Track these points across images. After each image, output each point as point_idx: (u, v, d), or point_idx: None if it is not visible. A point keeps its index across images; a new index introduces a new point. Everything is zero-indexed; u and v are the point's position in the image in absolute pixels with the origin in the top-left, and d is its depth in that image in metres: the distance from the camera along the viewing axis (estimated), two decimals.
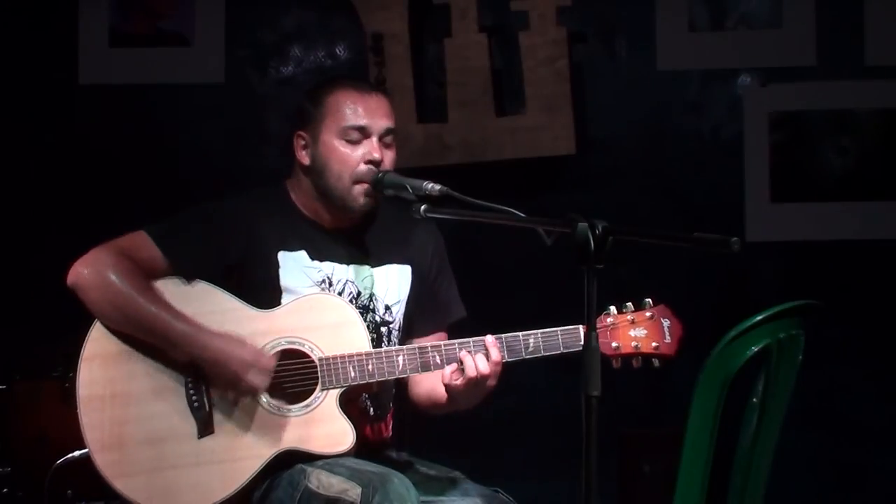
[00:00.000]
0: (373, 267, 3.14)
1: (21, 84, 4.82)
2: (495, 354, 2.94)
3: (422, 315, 3.19)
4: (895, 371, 4.61)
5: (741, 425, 3.06)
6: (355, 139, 3.07)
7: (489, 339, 2.96)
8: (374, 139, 3.07)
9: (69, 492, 3.88)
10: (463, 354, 2.94)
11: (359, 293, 3.11)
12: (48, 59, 4.83)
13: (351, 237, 3.14)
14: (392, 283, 3.16)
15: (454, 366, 2.95)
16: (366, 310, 3.11)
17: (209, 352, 2.93)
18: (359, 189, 3.05)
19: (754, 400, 3.03)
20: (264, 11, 4.87)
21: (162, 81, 4.84)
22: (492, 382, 2.96)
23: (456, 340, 3.00)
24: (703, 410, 2.98)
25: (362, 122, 3.06)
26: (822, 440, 4.60)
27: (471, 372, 2.92)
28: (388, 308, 3.14)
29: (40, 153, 4.79)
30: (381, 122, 3.08)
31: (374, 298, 3.13)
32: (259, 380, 2.93)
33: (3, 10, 4.79)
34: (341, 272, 3.10)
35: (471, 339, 2.98)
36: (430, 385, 3.10)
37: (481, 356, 2.93)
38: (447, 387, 2.98)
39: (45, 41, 4.83)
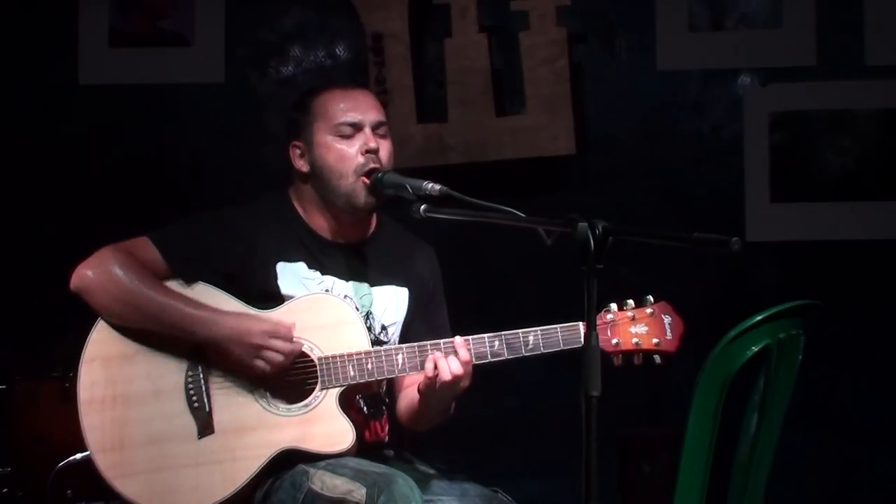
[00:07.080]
0: (372, 285, 3.14)
1: (21, 84, 4.82)
2: (464, 355, 2.94)
3: (415, 338, 3.13)
4: (895, 371, 4.61)
5: (741, 425, 3.06)
6: (349, 134, 3.07)
7: (458, 340, 2.97)
8: (368, 130, 3.08)
9: (69, 492, 3.88)
10: (436, 356, 2.94)
11: (356, 310, 3.09)
12: (48, 59, 4.83)
13: (351, 252, 3.14)
14: (390, 304, 3.15)
15: (430, 370, 2.94)
16: None
17: (226, 329, 2.94)
18: (362, 184, 3.05)
19: (754, 399, 3.04)
20: (264, 11, 4.87)
21: (162, 81, 4.84)
22: (465, 383, 2.97)
23: (455, 338, 2.99)
24: (703, 410, 2.98)
25: (353, 116, 3.08)
26: (822, 440, 4.59)
27: (444, 375, 2.92)
28: (384, 328, 3.15)
29: (40, 153, 4.79)
30: (371, 115, 3.09)
31: (371, 317, 3.13)
32: (281, 346, 2.94)
33: (3, 10, 4.79)
34: (340, 287, 3.10)
35: (441, 341, 2.99)
36: (411, 397, 3.10)
37: (453, 358, 2.94)
38: (422, 391, 3.00)
39: (45, 41, 4.83)
